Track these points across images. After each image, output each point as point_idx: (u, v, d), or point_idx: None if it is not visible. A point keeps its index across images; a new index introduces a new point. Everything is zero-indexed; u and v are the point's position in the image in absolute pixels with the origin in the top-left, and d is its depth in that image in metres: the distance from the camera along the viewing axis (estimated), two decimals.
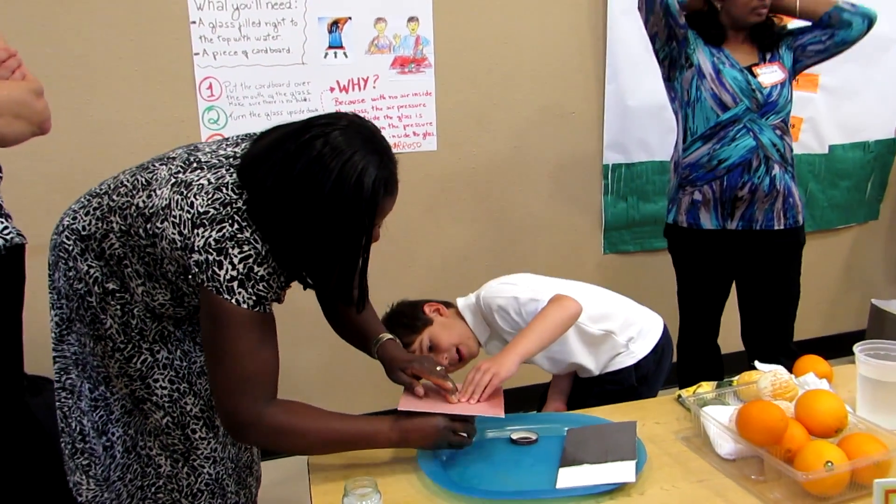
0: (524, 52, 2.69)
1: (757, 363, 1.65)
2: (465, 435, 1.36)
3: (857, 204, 3.36)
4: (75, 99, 2.26)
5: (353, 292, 1.36)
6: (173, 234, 1.23)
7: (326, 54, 2.45)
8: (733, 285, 2.45)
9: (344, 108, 2.49)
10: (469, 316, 1.80)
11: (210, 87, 2.38)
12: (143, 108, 2.34)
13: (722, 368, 2.52)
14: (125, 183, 1.35)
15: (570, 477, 1.31)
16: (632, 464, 1.31)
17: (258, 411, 1.24)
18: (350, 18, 2.46)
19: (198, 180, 1.25)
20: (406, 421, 1.35)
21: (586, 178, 2.89)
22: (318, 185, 1.17)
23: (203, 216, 1.21)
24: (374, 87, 2.53)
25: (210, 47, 2.35)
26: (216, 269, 1.20)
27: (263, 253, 1.22)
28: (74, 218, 1.39)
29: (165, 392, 1.43)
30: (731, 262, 2.36)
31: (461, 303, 1.83)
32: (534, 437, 1.48)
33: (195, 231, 1.21)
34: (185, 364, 1.46)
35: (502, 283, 1.78)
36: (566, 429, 1.48)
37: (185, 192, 1.24)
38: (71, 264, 1.38)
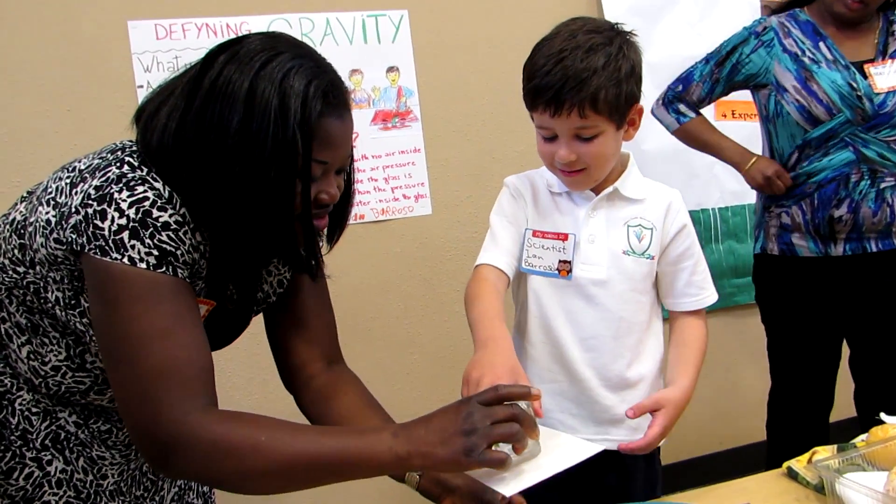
0: (521, 98, 2.39)
1: (884, 416, 1.26)
2: (512, 427, 0.86)
3: None
4: (4, 176, 1.92)
5: (300, 252, 1.01)
6: (47, 212, 0.92)
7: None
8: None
9: None
10: None
11: None
12: None
13: (827, 438, 2.00)
14: None
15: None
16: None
17: (188, 419, 0.84)
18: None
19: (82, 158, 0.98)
20: (418, 423, 0.88)
21: None
22: (227, 102, 0.87)
23: (84, 171, 0.92)
24: (354, 147, 2.19)
25: None
26: (98, 223, 0.86)
27: (167, 196, 0.90)
28: None
29: None
30: (841, 301, 1.85)
31: None
32: None
33: (73, 191, 0.90)
34: (90, 479, 1.05)
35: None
36: None
37: (65, 166, 0.97)
38: None
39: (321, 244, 1.13)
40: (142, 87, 2.02)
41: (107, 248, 0.86)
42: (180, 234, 0.90)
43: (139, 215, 0.87)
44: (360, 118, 2.20)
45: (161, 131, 0.92)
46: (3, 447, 1.00)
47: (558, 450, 0.96)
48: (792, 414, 1.96)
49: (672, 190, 1.30)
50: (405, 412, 2.38)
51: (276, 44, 0.92)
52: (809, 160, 1.79)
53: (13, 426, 1.01)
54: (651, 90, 2.49)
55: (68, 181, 0.93)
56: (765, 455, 2.64)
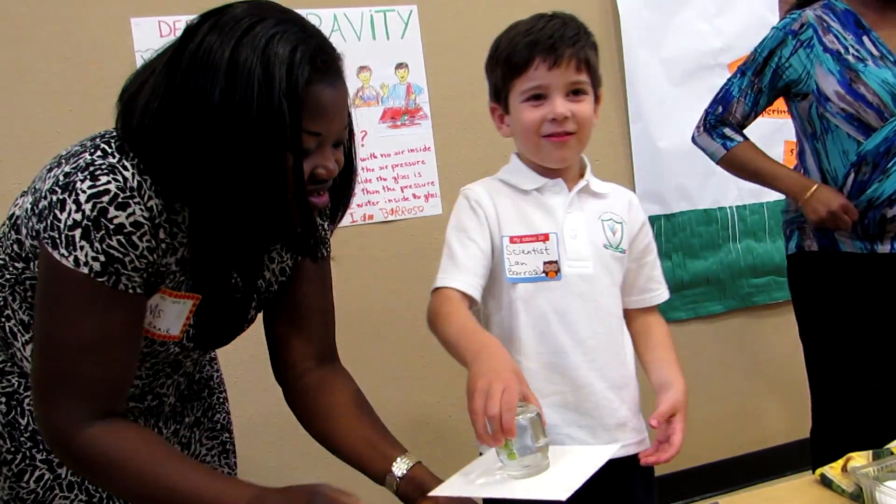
0: None
1: None
2: None
3: None
4: (6, 183, 1.88)
5: (297, 232, 0.95)
6: (28, 202, 0.92)
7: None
8: None
9: None
10: None
11: None
12: None
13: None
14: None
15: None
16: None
17: (72, 430, 0.87)
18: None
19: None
20: (273, 494, 0.89)
21: None
22: (208, 74, 0.82)
23: (63, 156, 0.90)
24: (362, 145, 2.15)
25: None
26: (57, 213, 0.84)
27: (135, 185, 0.85)
28: None
29: None
30: (883, 298, 1.69)
31: None
32: None
33: (48, 175, 0.88)
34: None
35: None
36: None
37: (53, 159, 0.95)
38: None
39: (325, 225, 1.09)
40: None
41: (58, 241, 0.84)
42: (134, 238, 0.86)
43: (94, 213, 0.84)
44: (369, 116, 2.16)
45: (142, 112, 0.87)
46: (13, 448, 0.98)
47: (571, 461, 0.96)
48: (839, 425, 1.75)
49: (625, 188, 1.33)
50: (418, 418, 2.34)
51: (260, 10, 0.86)
52: (869, 182, 1.61)
53: (22, 427, 0.99)
54: (665, 86, 2.45)
55: (48, 167, 0.90)
56: (785, 458, 2.58)
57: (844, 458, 1.18)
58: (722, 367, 2.62)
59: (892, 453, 1.16)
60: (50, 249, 0.85)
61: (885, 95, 1.56)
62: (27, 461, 0.99)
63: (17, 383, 1.00)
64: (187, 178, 0.86)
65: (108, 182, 0.84)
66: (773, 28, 1.75)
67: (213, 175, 0.85)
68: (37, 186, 0.91)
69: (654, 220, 2.48)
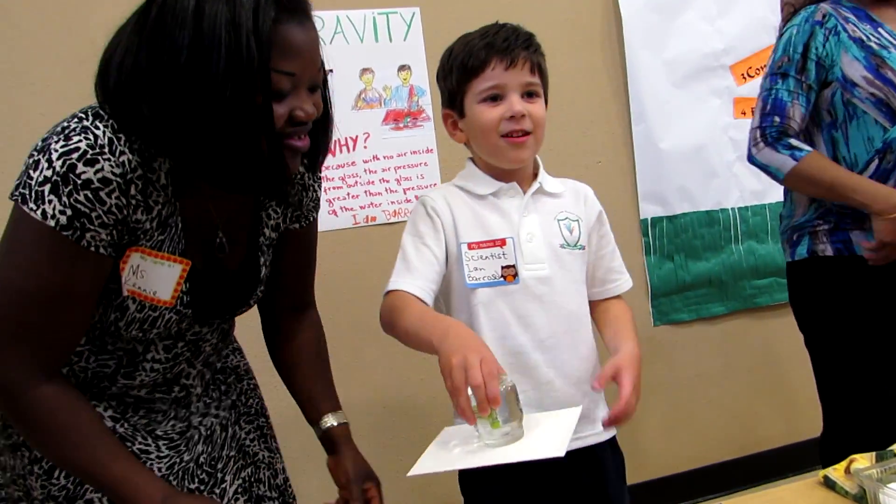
0: None
1: None
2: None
3: None
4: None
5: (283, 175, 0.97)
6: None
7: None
8: None
9: (332, 173, 2.11)
10: None
11: None
12: None
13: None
14: None
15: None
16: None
17: (26, 382, 0.91)
18: (331, 71, 2.11)
19: None
20: (187, 499, 0.99)
21: (623, 236, 2.43)
22: (176, 23, 0.85)
23: (53, 128, 0.92)
24: (364, 147, 2.15)
25: None
26: (31, 171, 0.88)
27: (105, 143, 0.88)
28: None
29: None
30: None
31: None
32: None
33: (37, 144, 0.91)
34: None
35: None
36: None
37: None
38: None
39: (309, 175, 1.14)
40: None
41: (27, 196, 0.88)
42: (102, 193, 0.88)
43: (63, 168, 0.86)
44: (372, 118, 2.16)
45: (117, 70, 0.90)
46: None
47: (545, 426, 1.02)
48: (852, 436, 1.65)
49: (580, 182, 1.34)
50: (422, 419, 2.32)
51: None
52: (894, 170, 1.56)
53: None
54: (667, 87, 2.46)
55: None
56: (786, 460, 2.57)
57: (847, 459, 1.18)
58: (724, 368, 2.62)
59: (895, 455, 1.16)
60: (20, 204, 0.88)
61: None
62: None
63: None
64: (164, 129, 0.88)
65: (80, 140, 0.87)
66: (791, 25, 1.67)
67: (188, 122, 0.87)
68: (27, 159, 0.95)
69: (656, 221, 2.48)
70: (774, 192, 2.40)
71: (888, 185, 1.57)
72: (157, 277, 0.97)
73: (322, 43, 0.96)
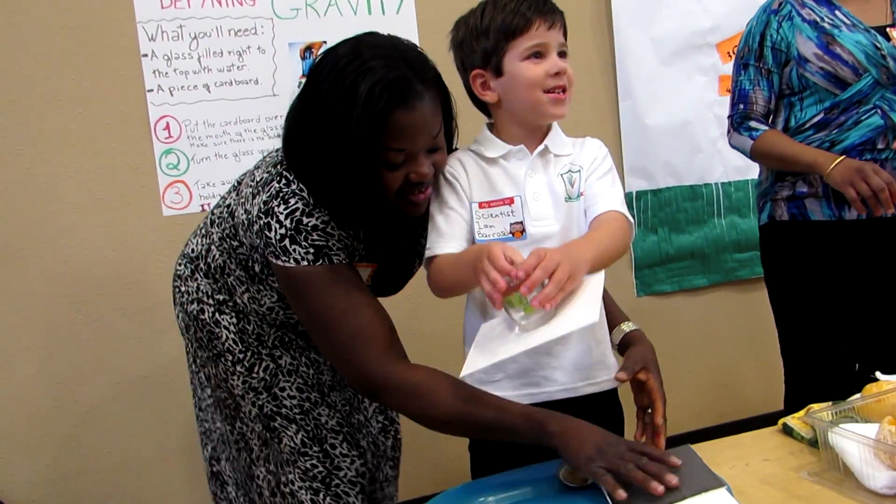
0: None
1: (879, 374, 1.27)
2: (650, 471, 0.96)
3: None
4: (7, 149, 1.94)
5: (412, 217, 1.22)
6: (242, 214, 1.22)
7: (300, 83, 2.15)
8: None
9: None
10: None
11: (167, 127, 2.06)
12: (89, 157, 2.01)
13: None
14: (225, 195, 1.36)
15: None
16: (723, 491, 0.97)
17: (386, 370, 1.12)
18: (325, 42, 2.17)
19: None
20: (574, 421, 1.06)
21: None
22: (317, 102, 1.10)
23: (259, 183, 1.20)
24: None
25: (166, 82, 2.05)
26: (268, 234, 1.15)
27: (312, 202, 1.15)
28: (187, 245, 1.43)
29: (295, 402, 1.34)
30: (853, 266, 1.79)
31: None
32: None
33: (253, 201, 1.18)
34: (311, 373, 1.36)
35: None
36: None
37: (252, 169, 1.28)
38: (183, 288, 1.39)
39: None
40: (146, 55, 2.03)
41: (276, 252, 1.14)
42: (327, 230, 1.15)
43: (293, 224, 1.13)
44: None
45: (291, 143, 1.18)
46: (244, 348, 1.32)
47: (572, 298, 1.05)
48: (811, 389, 1.82)
49: (594, 139, 1.32)
50: None
51: (359, 48, 1.11)
52: (839, 128, 1.72)
53: (250, 332, 1.32)
54: (655, 65, 2.51)
55: (250, 191, 1.21)
56: (765, 427, 2.65)
57: (806, 408, 1.25)
58: (705, 339, 2.70)
59: (848, 404, 1.23)
60: (275, 262, 1.15)
61: (859, 54, 1.69)
62: (256, 356, 1.32)
63: (240, 306, 1.32)
64: (316, 191, 1.15)
65: (297, 202, 1.15)
66: (752, 18, 1.84)
67: (334, 186, 1.13)
68: (247, 207, 1.20)
69: (641, 194, 2.55)
70: (757, 169, 2.46)
71: (836, 149, 1.72)
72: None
73: (432, 111, 1.15)
